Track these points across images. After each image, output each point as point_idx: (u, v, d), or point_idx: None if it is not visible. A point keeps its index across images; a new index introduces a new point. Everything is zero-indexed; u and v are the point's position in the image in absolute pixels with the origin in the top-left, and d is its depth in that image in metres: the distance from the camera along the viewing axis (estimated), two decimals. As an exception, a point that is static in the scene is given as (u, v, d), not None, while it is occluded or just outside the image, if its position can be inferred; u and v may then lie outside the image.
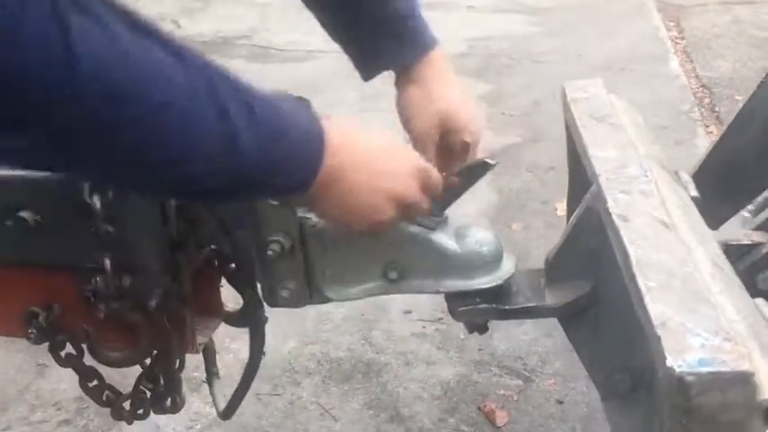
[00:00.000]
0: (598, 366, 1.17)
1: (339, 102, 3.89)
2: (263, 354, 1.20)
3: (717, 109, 3.69)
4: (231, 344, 2.03)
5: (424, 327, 2.22)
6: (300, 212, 1.06)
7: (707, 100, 3.79)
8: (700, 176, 1.36)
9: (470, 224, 1.10)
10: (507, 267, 1.11)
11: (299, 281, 1.10)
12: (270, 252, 1.06)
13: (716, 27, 4.94)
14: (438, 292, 1.10)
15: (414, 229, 1.07)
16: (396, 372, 2.06)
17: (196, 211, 1.08)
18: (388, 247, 1.07)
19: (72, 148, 0.64)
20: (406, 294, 1.12)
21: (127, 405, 1.25)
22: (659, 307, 0.78)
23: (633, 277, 0.84)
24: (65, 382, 2.01)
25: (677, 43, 4.67)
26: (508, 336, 2.17)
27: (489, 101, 3.87)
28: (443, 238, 1.07)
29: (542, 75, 4.16)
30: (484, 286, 1.08)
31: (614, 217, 0.95)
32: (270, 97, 0.77)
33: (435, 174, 0.98)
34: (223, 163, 0.72)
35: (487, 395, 2.01)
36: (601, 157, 1.11)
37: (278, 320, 2.29)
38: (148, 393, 1.25)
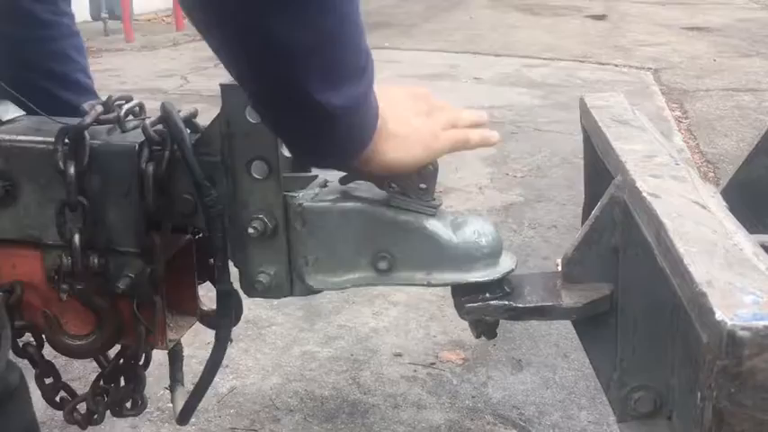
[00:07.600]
0: (616, 383, 1.06)
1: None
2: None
3: (721, 183, 3.64)
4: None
5: (415, 370, 2.09)
6: (286, 191, 0.97)
7: (711, 174, 3.76)
8: (725, 195, 1.28)
9: (468, 214, 1.01)
10: (507, 263, 1.01)
11: (280, 265, 1.01)
12: (251, 230, 0.97)
13: (719, 110, 4.97)
14: (429, 285, 1.00)
15: (408, 215, 0.97)
16: (383, 414, 1.91)
17: (177, 184, 0.99)
18: (380, 234, 0.98)
19: None
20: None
21: (82, 408, 1.14)
22: (702, 268, 0.67)
23: (670, 247, 0.74)
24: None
25: (681, 122, 4.68)
26: (504, 384, 2.03)
27: (493, 162, 3.83)
28: (439, 227, 0.98)
29: (545, 143, 4.14)
30: (480, 280, 0.98)
31: (644, 194, 0.86)
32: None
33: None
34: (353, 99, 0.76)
35: (480, 445, 1.87)
36: (626, 148, 1.03)
37: (261, 355, 2.21)
38: (106, 397, 1.14)
